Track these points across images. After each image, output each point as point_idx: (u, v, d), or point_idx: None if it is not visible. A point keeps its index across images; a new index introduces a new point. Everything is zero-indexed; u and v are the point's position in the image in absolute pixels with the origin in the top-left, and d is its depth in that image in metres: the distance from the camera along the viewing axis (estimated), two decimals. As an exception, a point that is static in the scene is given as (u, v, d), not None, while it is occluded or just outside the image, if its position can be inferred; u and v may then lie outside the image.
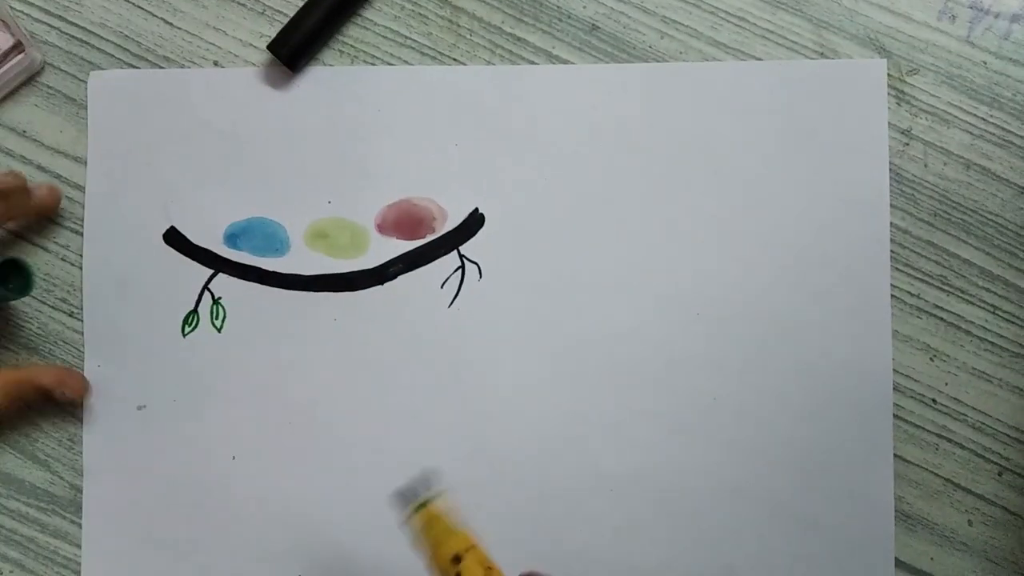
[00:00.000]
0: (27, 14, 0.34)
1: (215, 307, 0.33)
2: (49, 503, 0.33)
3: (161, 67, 0.34)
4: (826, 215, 0.33)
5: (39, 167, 0.34)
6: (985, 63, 0.34)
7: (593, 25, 0.34)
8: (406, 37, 0.34)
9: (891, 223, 0.33)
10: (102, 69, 0.34)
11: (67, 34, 0.34)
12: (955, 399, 0.33)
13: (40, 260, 0.33)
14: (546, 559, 0.32)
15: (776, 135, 0.33)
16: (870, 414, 0.33)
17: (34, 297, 0.33)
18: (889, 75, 0.33)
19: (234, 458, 0.33)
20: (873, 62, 0.33)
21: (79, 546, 0.33)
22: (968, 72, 0.34)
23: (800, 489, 0.32)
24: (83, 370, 0.33)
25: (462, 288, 0.33)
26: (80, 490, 0.33)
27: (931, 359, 0.33)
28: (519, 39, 0.34)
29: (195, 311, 0.33)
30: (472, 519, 0.32)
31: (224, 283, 0.33)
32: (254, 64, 0.34)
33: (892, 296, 0.33)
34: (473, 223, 0.33)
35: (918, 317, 0.33)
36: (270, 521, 0.32)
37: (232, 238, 0.33)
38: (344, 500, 0.32)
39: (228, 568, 0.32)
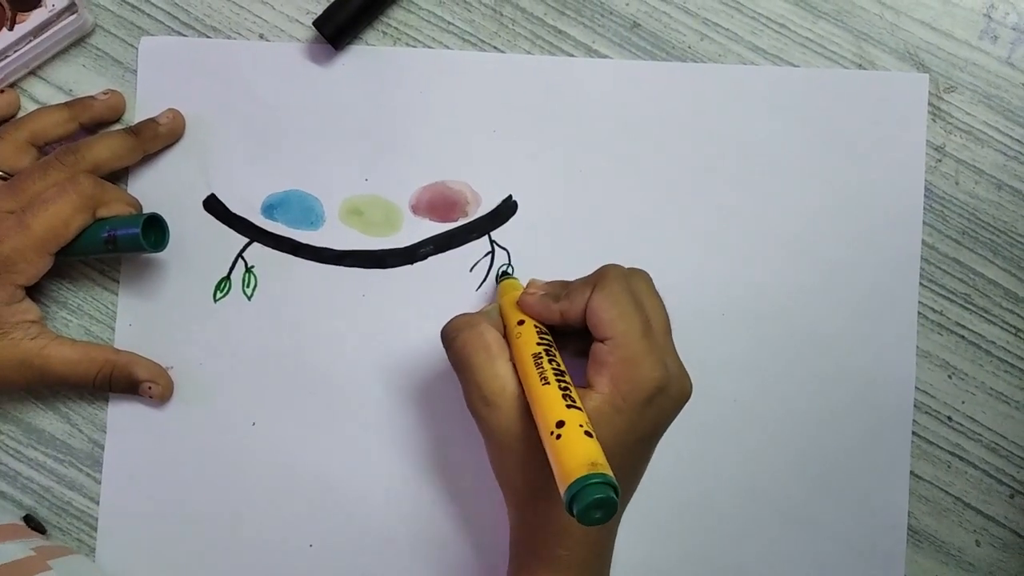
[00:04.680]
0: (80, -24, 0.34)
1: (247, 275, 0.33)
2: (67, 455, 0.33)
3: (208, 36, 0.34)
4: (857, 226, 0.33)
5: (81, 123, 0.34)
6: (1024, 85, 0.34)
7: (634, 22, 0.34)
8: (448, 23, 0.34)
9: (919, 238, 0.33)
10: (151, 35, 0.34)
11: (119, -2, 0.34)
12: (971, 418, 0.33)
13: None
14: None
15: (813, 143, 0.33)
16: (889, 428, 0.33)
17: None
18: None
19: (254, 424, 0.33)
20: (915, 76, 0.34)
21: (93, 499, 0.33)
22: (1006, 93, 0.34)
23: (814, 496, 0.33)
24: (113, 328, 0.33)
25: (490, 273, 0.33)
26: (98, 444, 0.33)
27: (949, 376, 0.33)
28: (560, 32, 0.34)
29: (228, 278, 0.33)
30: (487, 505, 0.32)
31: (258, 252, 0.33)
32: (299, 39, 0.34)
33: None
34: (506, 210, 0.33)
35: (939, 334, 0.33)
36: (285, 489, 0.33)
37: (269, 209, 0.33)
38: (359, 473, 0.33)
39: (242, 533, 0.33)
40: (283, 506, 0.33)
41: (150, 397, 0.32)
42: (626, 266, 0.28)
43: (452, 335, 0.27)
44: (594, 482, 0.21)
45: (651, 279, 0.28)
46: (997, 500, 0.33)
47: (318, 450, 0.33)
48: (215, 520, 0.33)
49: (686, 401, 0.27)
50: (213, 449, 0.33)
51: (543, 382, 0.24)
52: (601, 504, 0.21)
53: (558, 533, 0.26)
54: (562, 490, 0.22)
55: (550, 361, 0.25)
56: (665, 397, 0.26)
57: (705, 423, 0.33)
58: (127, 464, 0.33)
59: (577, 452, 0.22)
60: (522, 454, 0.26)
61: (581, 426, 0.23)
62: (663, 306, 0.28)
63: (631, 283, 0.27)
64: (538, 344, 0.26)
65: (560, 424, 0.23)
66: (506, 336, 0.28)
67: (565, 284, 0.28)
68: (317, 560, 0.33)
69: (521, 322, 0.27)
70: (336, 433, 0.33)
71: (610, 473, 0.22)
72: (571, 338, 0.28)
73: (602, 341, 0.26)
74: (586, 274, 0.28)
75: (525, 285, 0.30)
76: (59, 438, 0.33)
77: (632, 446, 0.26)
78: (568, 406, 0.24)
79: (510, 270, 0.33)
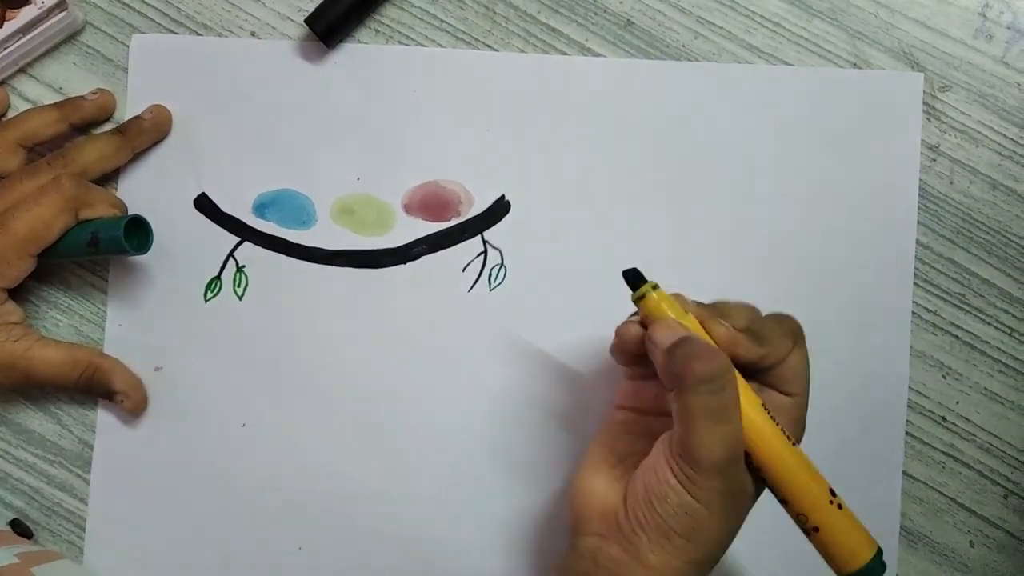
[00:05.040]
0: (70, -27, 0.34)
1: (238, 275, 0.33)
2: (57, 455, 0.33)
3: (199, 34, 0.34)
4: (852, 225, 0.33)
5: (72, 124, 0.34)
6: (1019, 84, 0.34)
7: (628, 21, 0.34)
8: (441, 20, 0.34)
9: (913, 238, 0.33)
10: (141, 32, 0.34)
11: (109, -5, 0.34)
12: (965, 418, 0.33)
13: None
14: (549, 554, 0.32)
15: (807, 142, 0.33)
16: (882, 428, 0.33)
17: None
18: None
19: (244, 425, 0.33)
20: (909, 75, 0.33)
21: (83, 500, 0.33)
22: (1001, 92, 0.34)
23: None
24: (104, 328, 0.33)
25: (482, 273, 0.33)
26: (88, 445, 0.33)
27: (944, 376, 0.33)
28: (553, 30, 0.34)
29: (218, 277, 0.33)
30: (481, 508, 0.32)
31: (249, 252, 0.33)
32: (290, 37, 0.34)
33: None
34: (499, 210, 0.33)
35: (933, 334, 0.33)
36: (274, 491, 0.32)
37: (260, 208, 0.33)
38: (349, 475, 0.33)
39: (230, 535, 0.32)
40: (272, 508, 0.32)
41: (121, 410, 0.32)
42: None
43: (722, 377, 0.23)
44: (882, 560, 0.22)
45: None
46: (991, 501, 0.33)
47: (308, 451, 0.33)
48: (203, 520, 0.32)
49: None
50: (202, 450, 0.33)
51: (790, 443, 0.23)
52: None
53: None
54: (850, 564, 0.22)
55: (772, 416, 0.24)
56: None
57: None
58: (116, 465, 0.33)
59: (860, 527, 0.22)
60: (742, 512, 0.24)
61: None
62: None
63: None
64: (754, 392, 0.24)
65: (833, 493, 0.23)
66: None
67: (712, 309, 0.25)
68: (306, 562, 0.32)
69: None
70: (327, 434, 0.33)
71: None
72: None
73: (787, 395, 0.25)
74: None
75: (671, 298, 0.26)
76: (49, 439, 0.33)
77: None
78: (817, 471, 0.23)
79: (644, 275, 0.26)
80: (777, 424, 0.23)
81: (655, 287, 0.25)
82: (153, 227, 0.31)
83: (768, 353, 0.24)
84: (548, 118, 0.33)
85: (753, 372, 0.25)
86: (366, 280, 0.33)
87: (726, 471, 0.22)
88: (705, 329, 0.24)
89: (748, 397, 0.23)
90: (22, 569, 0.28)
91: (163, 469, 0.33)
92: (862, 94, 0.33)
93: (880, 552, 0.23)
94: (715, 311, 0.25)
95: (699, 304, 0.26)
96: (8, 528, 0.32)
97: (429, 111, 0.33)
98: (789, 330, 0.26)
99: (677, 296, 0.25)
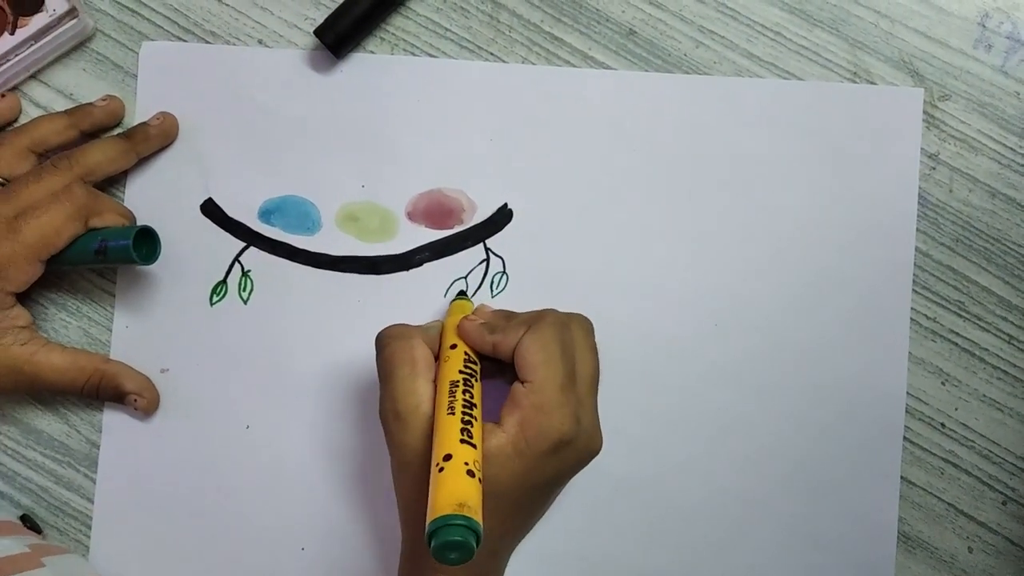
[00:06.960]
0: (81, -18, 0.35)
1: (244, 279, 0.34)
2: (65, 455, 0.34)
3: (208, 42, 0.34)
4: (851, 234, 0.33)
5: (82, 130, 0.34)
6: (1018, 94, 0.34)
7: (630, 30, 0.34)
8: (446, 29, 0.34)
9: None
10: (150, 39, 0.34)
11: (119, 3, 0.35)
12: (964, 425, 0.33)
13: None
14: (548, 558, 0.32)
15: (807, 154, 0.33)
16: (880, 436, 0.33)
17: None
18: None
19: (248, 427, 0.33)
20: (910, 90, 0.34)
21: (90, 499, 0.33)
22: (1000, 102, 0.34)
23: (805, 504, 0.33)
24: (111, 330, 0.34)
25: (484, 280, 0.34)
26: (96, 445, 0.33)
27: (943, 383, 0.33)
28: (556, 38, 0.34)
29: (224, 282, 0.34)
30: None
31: (254, 257, 0.34)
32: (297, 45, 0.34)
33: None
34: (501, 218, 0.34)
35: (932, 340, 0.34)
36: (278, 492, 0.33)
37: (266, 214, 0.34)
38: (351, 477, 0.33)
39: (235, 536, 0.33)
40: (276, 509, 0.33)
41: (135, 409, 0.32)
42: (569, 311, 0.28)
43: (384, 343, 0.27)
44: (455, 524, 0.21)
45: (591, 329, 0.28)
46: (990, 507, 0.33)
47: (311, 454, 0.33)
48: (208, 521, 0.33)
49: (592, 457, 0.27)
50: (207, 451, 0.33)
51: (448, 411, 0.25)
52: (456, 547, 0.21)
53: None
54: (427, 523, 0.22)
55: (464, 392, 0.25)
56: (570, 450, 0.26)
57: (695, 432, 0.33)
58: (122, 465, 0.33)
59: (450, 490, 0.22)
60: (419, 475, 0.25)
61: (466, 464, 0.23)
62: (595, 359, 0.28)
63: (567, 331, 0.27)
64: (460, 372, 0.26)
65: (447, 458, 0.23)
66: (438, 356, 0.28)
67: (509, 316, 0.28)
68: (309, 563, 0.33)
69: (453, 346, 0.27)
70: (329, 437, 0.33)
71: (478, 518, 0.22)
72: (508, 367, 0.28)
73: (523, 383, 0.26)
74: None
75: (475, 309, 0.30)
76: (57, 439, 0.34)
77: (528, 490, 0.26)
78: (462, 440, 0.24)
79: (466, 290, 0.33)
80: (453, 397, 0.25)
81: (461, 296, 0.32)
82: (160, 231, 0.32)
83: (499, 341, 0.27)
84: (550, 128, 0.34)
85: (504, 364, 0.27)
86: (369, 286, 0.33)
87: (390, 423, 0.26)
88: (458, 324, 0.28)
89: (444, 371, 0.27)
90: (34, 559, 0.28)
91: (168, 469, 0.33)
92: (863, 108, 0.33)
93: (457, 521, 0.21)
94: (499, 316, 0.29)
95: (492, 311, 0.30)
96: (19, 521, 0.33)
97: (433, 120, 0.34)
98: (522, 320, 0.28)
99: (479, 307, 0.31)
